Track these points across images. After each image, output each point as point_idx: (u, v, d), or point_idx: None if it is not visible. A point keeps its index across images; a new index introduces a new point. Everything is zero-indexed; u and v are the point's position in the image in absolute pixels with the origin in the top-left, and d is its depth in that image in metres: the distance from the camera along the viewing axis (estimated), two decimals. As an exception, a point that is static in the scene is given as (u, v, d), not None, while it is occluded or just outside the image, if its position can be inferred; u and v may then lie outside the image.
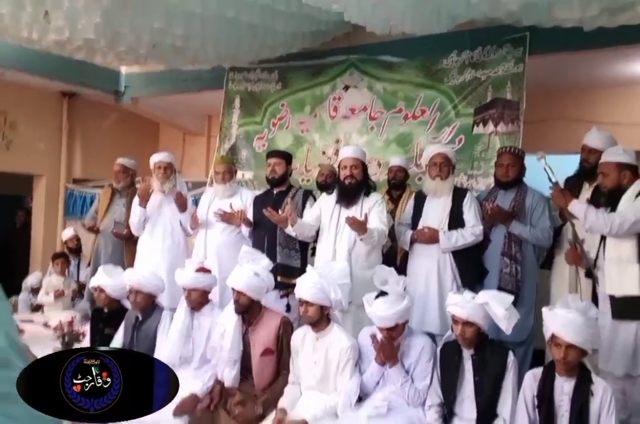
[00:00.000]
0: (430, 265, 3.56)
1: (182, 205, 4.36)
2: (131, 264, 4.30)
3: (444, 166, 3.68)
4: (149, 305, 3.62)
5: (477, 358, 2.70)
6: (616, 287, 2.92)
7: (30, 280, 5.88)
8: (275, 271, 3.48)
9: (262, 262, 3.31)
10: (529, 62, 4.61)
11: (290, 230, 3.68)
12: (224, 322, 3.28)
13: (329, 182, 4.70)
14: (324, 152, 5.60)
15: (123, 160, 4.95)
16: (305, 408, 2.88)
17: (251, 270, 3.19)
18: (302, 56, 5.59)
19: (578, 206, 3.08)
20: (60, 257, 5.77)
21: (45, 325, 4.84)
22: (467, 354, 2.75)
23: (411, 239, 3.65)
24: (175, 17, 4.38)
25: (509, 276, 3.47)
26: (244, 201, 4.21)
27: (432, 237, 3.54)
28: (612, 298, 2.91)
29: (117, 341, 3.67)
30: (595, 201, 3.20)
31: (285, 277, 3.77)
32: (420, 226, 3.64)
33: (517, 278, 3.48)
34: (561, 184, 3.30)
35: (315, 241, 3.81)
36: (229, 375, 3.16)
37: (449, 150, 3.87)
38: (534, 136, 4.76)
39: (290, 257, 3.87)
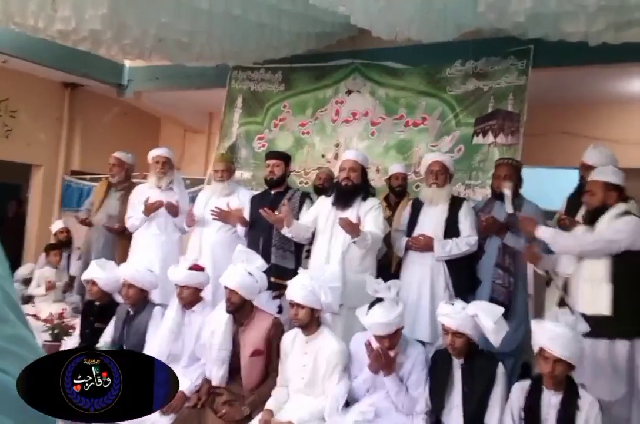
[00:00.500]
0: (424, 273, 3.57)
1: (173, 213, 4.37)
2: (122, 259, 4.28)
3: (440, 174, 3.69)
4: (141, 300, 3.61)
5: (467, 368, 2.71)
6: (589, 306, 2.95)
7: (21, 271, 5.85)
8: (269, 272, 3.48)
9: (256, 262, 3.31)
10: (532, 75, 4.64)
11: (286, 231, 3.68)
12: (214, 321, 3.28)
13: (326, 186, 4.71)
14: (323, 156, 5.60)
15: (119, 154, 4.93)
16: (292, 410, 2.88)
17: (245, 269, 3.19)
18: (307, 58, 5.60)
19: (545, 231, 3.12)
20: (54, 249, 5.75)
21: (36, 317, 4.82)
22: (457, 364, 2.76)
23: (406, 246, 3.66)
24: (182, 13, 4.39)
25: (501, 287, 3.48)
26: (241, 200, 4.21)
27: (426, 245, 3.55)
28: (585, 317, 2.95)
29: (107, 335, 3.67)
30: (583, 219, 3.22)
31: (278, 278, 3.77)
32: (415, 234, 3.65)
33: (510, 290, 3.49)
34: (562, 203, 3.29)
35: (311, 243, 3.81)
36: (217, 374, 3.15)
37: (447, 158, 3.88)
38: (534, 149, 4.78)
39: (284, 259, 3.87)
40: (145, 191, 4.53)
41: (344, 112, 5.53)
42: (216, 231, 4.18)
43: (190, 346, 3.39)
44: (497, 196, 3.74)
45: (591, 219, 3.09)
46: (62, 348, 3.92)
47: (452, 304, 2.78)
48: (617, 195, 3.05)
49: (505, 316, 2.74)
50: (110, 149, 5.15)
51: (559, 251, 3.08)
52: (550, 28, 3.74)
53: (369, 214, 3.53)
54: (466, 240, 3.54)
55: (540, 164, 4.20)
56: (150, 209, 4.34)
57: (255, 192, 4.41)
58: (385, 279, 3.65)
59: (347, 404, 2.88)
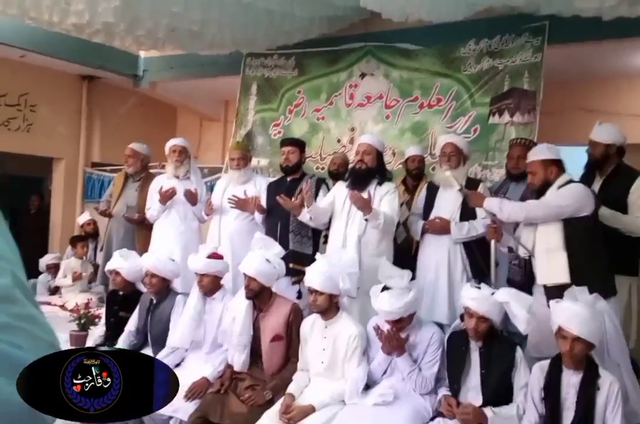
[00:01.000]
0: (441, 255, 3.57)
1: (192, 201, 4.41)
2: (143, 249, 4.35)
3: (453, 156, 3.67)
4: (164, 289, 3.68)
5: (485, 351, 2.71)
6: (547, 276, 2.99)
7: (45, 259, 6.01)
8: (287, 258, 3.51)
9: (274, 249, 3.34)
10: (547, 52, 4.54)
11: (303, 217, 3.71)
12: (235, 307, 3.33)
13: (341, 171, 4.71)
14: (339, 140, 5.58)
15: (134, 145, 4.98)
16: (313, 394, 2.93)
17: (263, 256, 3.23)
18: (319, 43, 5.56)
19: (492, 201, 3.14)
20: (80, 240, 5.87)
21: (62, 307, 4.94)
22: (474, 346, 2.76)
23: (422, 230, 3.66)
24: (193, 2, 4.39)
25: (518, 267, 3.46)
26: (258, 188, 4.24)
27: (443, 228, 3.55)
28: (545, 287, 2.96)
29: (132, 324, 3.75)
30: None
31: (297, 264, 3.80)
32: (432, 217, 3.64)
33: (526, 270, 3.47)
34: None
35: (328, 228, 3.83)
36: (239, 360, 3.21)
37: (460, 140, 3.85)
38: (551, 126, 4.70)
39: (302, 244, 3.90)
40: (164, 181, 4.59)
41: (358, 96, 5.50)
42: (234, 219, 4.22)
43: (212, 333, 3.45)
44: (512, 176, 3.72)
45: (538, 197, 3.14)
46: (89, 337, 4.02)
47: (479, 288, 2.77)
48: (556, 169, 3.09)
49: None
50: (128, 140, 5.21)
51: (506, 218, 3.08)
52: (564, 4, 3.66)
53: (385, 198, 3.53)
54: (483, 221, 3.53)
55: (558, 142, 4.12)
56: (165, 197, 4.39)
57: (272, 180, 4.43)
58: (406, 263, 3.69)
59: (367, 387, 2.92)
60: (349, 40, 5.52)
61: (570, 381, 2.45)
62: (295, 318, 3.22)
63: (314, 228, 3.89)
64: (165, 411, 2.97)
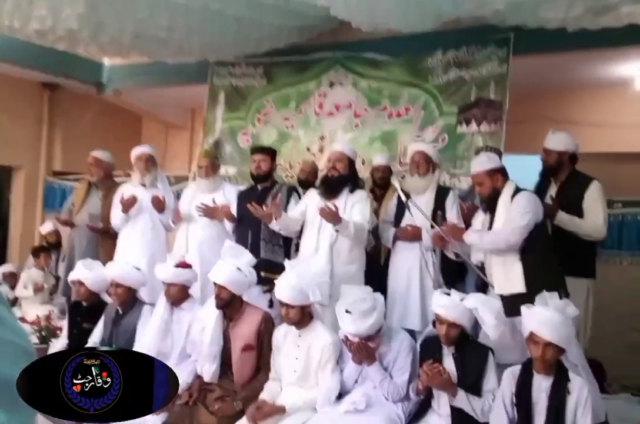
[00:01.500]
0: (413, 262, 3.58)
1: (158, 208, 4.33)
2: (107, 259, 4.23)
3: (422, 163, 3.71)
4: (130, 299, 3.59)
5: (458, 356, 2.72)
6: (504, 287, 3.05)
7: (1, 269, 5.81)
8: (258, 267, 3.47)
9: (245, 257, 3.30)
10: (513, 63, 4.64)
11: (274, 225, 3.68)
12: (204, 317, 3.27)
13: (310, 179, 4.71)
14: (308, 149, 5.58)
15: (97, 153, 4.87)
16: (285, 402, 2.89)
17: (233, 265, 3.18)
18: (288, 52, 5.56)
19: (472, 235, 3.17)
20: (43, 251, 5.70)
21: (22, 319, 4.77)
22: (447, 352, 2.77)
23: (394, 237, 3.67)
24: (160, 8, 4.33)
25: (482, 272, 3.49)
26: (227, 196, 4.19)
27: (414, 235, 3.56)
28: (502, 297, 3.02)
29: (96, 335, 3.64)
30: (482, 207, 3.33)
31: (268, 272, 3.74)
32: (403, 224, 3.65)
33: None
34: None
35: (299, 236, 3.81)
36: (209, 370, 3.14)
37: (429, 148, 3.90)
38: (517, 135, 4.80)
39: (274, 253, 3.86)
40: (130, 189, 4.49)
41: (327, 105, 5.51)
42: (202, 228, 4.15)
43: (180, 344, 3.38)
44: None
45: (488, 206, 3.23)
46: (50, 350, 3.89)
47: (448, 295, 2.77)
48: (501, 177, 3.18)
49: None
50: (91, 149, 5.08)
51: (489, 249, 3.12)
52: (529, 15, 3.75)
53: (356, 206, 3.53)
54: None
55: (523, 150, 4.23)
56: (126, 205, 4.30)
57: (242, 188, 4.38)
58: (374, 271, 3.69)
59: (340, 396, 2.89)
60: (317, 49, 5.54)
61: (541, 385, 2.47)
62: (266, 327, 3.17)
63: (286, 236, 3.85)
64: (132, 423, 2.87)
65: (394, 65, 5.24)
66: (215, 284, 3.19)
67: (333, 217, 3.34)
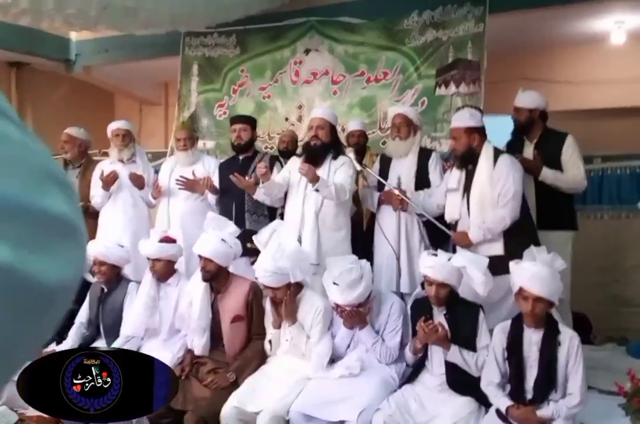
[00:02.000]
0: (398, 226, 3.56)
1: (138, 184, 4.23)
2: (88, 238, 4.15)
3: (402, 126, 3.67)
4: (114, 277, 3.53)
5: (450, 316, 2.73)
6: (486, 248, 3.10)
7: None
8: (244, 238, 3.42)
9: (229, 229, 3.25)
10: (490, 22, 4.57)
11: (258, 195, 3.62)
12: (191, 291, 3.23)
13: (290, 148, 4.64)
14: (287, 119, 5.49)
15: (70, 129, 4.74)
16: (276, 370, 2.89)
17: (218, 236, 3.14)
18: (260, 19, 5.42)
19: (475, 234, 3.15)
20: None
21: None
22: (438, 312, 2.77)
23: (378, 201, 3.64)
24: (126, -23, 4.17)
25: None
26: (207, 168, 4.11)
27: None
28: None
29: (83, 316, 3.59)
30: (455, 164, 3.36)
31: (254, 243, 3.71)
32: (386, 188, 3.62)
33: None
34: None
35: (283, 206, 3.76)
36: (199, 344, 3.12)
37: (409, 110, 3.85)
38: (495, 96, 4.75)
39: (259, 223, 3.80)
40: (107, 166, 4.39)
41: (303, 73, 5.41)
42: (184, 201, 4.08)
43: (169, 320, 3.35)
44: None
45: (461, 164, 3.25)
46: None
47: (435, 255, 2.77)
48: (479, 137, 3.18)
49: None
50: (64, 128, 4.94)
51: (499, 232, 3.12)
52: (505, -31, 3.67)
53: (339, 170, 3.48)
54: (438, 190, 3.52)
55: (502, 111, 4.17)
56: (107, 181, 4.21)
57: (221, 160, 4.30)
58: (358, 237, 3.67)
59: (332, 361, 2.89)
60: (290, 15, 5.40)
61: (532, 339, 2.50)
62: (254, 297, 3.15)
63: (270, 206, 3.81)
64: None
65: (370, 28, 5.13)
66: (200, 257, 3.15)
67: (308, 172, 3.30)
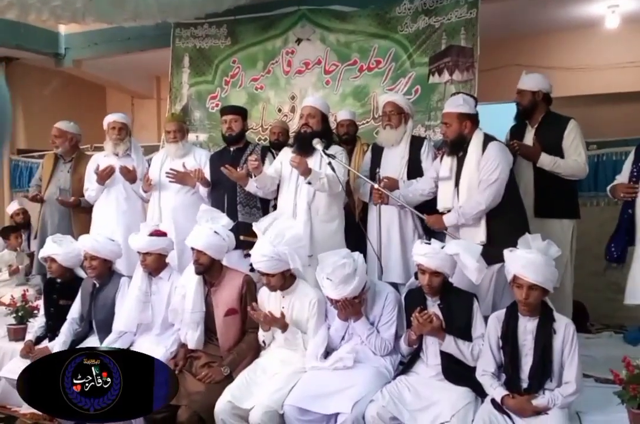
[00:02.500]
0: (391, 215, 3.52)
1: (128, 178, 4.19)
2: (80, 233, 4.09)
3: (393, 115, 3.62)
4: (106, 272, 3.49)
5: (444, 306, 2.70)
6: (466, 236, 3.07)
7: None
8: (237, 231, 3.39)
9: (222, 221, 3.21)
10: (482, 8, 4.51)
11: (250, 187, 3.58)
12: (184, 284, 3.19)
13: (282, 140, 4.60)
14: (280, 110, 5.45)
15: (60, 124, 4.69)
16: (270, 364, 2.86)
17: (210, 229, 3.10)
18: (251, 8, 5.36)
19: (449, 217, 3.14)
20: (12, 231, 5.54)
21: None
22: (432, 302, 2.74)
23: (371, 191, 3.59)
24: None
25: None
26: (198, 161, 4.05)
27: (391, 187, 3.49)
28: None
29: (75, 311, 3.56)
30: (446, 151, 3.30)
31: (248, 236, 3.64)
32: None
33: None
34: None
35: (276, 198, 3.72)
36: (193, 338, 3.09)
37: (400, 98, 3.79)
38: (488, 83, 4.71)
39: (252, 216, 3.76)
40: (102, 159, 4.33)
41: (295, 63, 5.35)
42: (175, 194, 4.03)
43: (161, 314, 3.31)
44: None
45: (452, 150, 3.20)
46: (29, 330, 3.80)
47: (429, 244, 2.74)
48: (471, 124, 3.14)
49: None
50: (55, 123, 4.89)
51: (475, 217, 3.08)
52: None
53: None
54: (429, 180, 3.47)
55: (496, 98, 4.15)
56: (103, 176, 4.16)
57: (213, 153, 4.25)
58: (350, 227, 3.62)
59: (327, 354, 2.86)
60: (281, 4, 5.34)
61: (527, 327, 2.47)
62: (248, 290, 3.12)
63: (262, 198, 3.76)
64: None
65: (361, 16, 5.07)
66: (193, 249, 3.10)
67: (299, 164, 3.25)
